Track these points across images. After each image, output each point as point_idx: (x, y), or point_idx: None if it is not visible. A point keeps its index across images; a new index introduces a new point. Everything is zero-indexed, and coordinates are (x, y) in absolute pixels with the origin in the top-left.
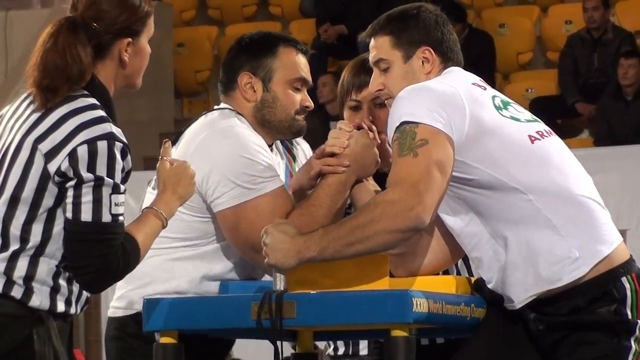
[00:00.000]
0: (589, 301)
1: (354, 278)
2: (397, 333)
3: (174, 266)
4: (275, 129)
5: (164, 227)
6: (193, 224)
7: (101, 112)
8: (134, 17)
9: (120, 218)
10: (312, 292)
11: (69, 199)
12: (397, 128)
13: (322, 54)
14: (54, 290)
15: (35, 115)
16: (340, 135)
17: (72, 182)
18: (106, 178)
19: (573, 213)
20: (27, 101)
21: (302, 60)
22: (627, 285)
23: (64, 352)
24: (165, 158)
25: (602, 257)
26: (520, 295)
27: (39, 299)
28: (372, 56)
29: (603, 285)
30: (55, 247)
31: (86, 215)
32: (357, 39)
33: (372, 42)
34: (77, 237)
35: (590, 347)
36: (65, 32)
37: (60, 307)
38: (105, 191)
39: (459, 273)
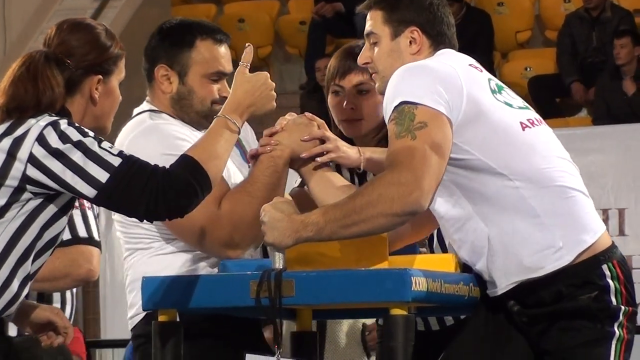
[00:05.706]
0: (570, 289)
1: (353, 257)
2: (396, 312)
3: (168, 257)
4: (193, 120)
5: (230, 127)
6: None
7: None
8: (104, 55)
9: (123, 150)
10: (311, 270)
11: (72, 180)
12: (395, 107)
13: (321, 32)
14: None
15: None
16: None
17: (54, 161)
18: (83, 139)
19: (557, 202)
20: None
21: (220, 52)
22: (608, 273)
23: None
24: (245, 63)
25: (586, 246)
26: (502, 281)
27: None
28: (366, 28)
29: (583, 272)
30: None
31: (101, 174)
32: (354, 17)
33: (368, 14)
34: (117, 195)
35: (574, 333)
36: (37, 63)
37: None
38: (93, 147)
39: (432, 252)
